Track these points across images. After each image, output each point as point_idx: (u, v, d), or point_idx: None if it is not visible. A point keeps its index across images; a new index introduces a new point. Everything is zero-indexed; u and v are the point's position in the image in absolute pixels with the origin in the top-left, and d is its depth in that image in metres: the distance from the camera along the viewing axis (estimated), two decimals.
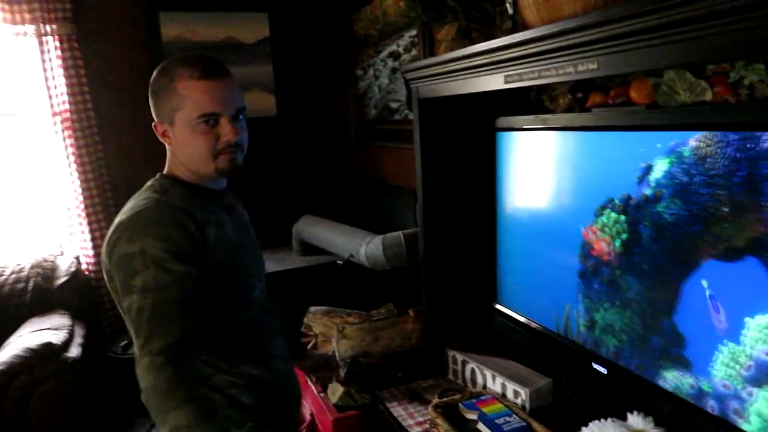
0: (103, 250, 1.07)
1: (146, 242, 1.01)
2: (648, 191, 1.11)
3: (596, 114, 1.25)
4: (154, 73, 1.12)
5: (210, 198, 1.16)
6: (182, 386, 0.97)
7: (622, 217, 1.18)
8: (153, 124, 1.13)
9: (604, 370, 1.29)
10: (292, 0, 3.29)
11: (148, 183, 1.16)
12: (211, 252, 1.08)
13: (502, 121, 1.59)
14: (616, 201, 1.20)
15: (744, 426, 0.98)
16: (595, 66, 1.00)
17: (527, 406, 1.50)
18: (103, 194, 2.98)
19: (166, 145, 1.15)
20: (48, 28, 2.77)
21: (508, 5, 1.39)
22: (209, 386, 1.13)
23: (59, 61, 2.81)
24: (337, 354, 1.83)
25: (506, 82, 1.25)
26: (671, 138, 1.05)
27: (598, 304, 1.30)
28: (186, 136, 1.09)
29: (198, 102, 1.06)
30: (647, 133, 1.11)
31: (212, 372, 1.14)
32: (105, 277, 1.10)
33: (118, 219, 1.08)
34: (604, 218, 1.24)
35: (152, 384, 0.96)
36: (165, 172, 1.18)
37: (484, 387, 1.67)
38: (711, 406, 1.04)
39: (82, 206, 2.94)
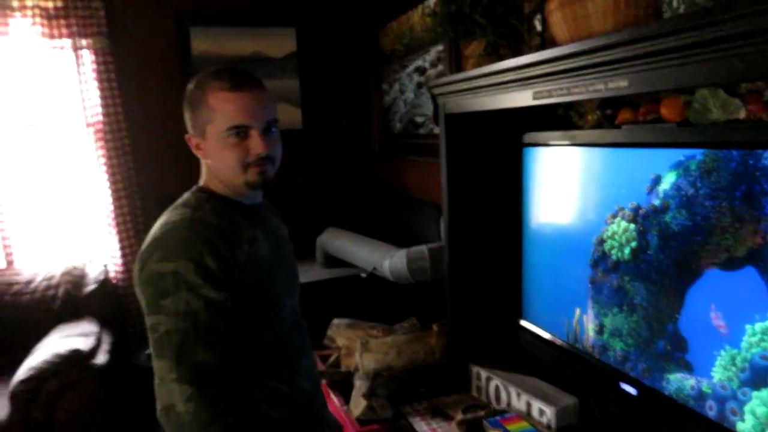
0: (136, 264, 1.07)
1: (179, 264, 1.00)
2: (657, 201, 1.14)
3: (626, 131, 1.24)
4: (189, 86, 1.11)
5: (244, 213, 1.15)
6: (221, 417, 1.01)
7: (632, 226, 1.18)
8: (186, 136, 1.12)
9: (633, 391, 1.27)
10: (319, 15, 3.34)
11: (185, 195, 1.16)
12: (239, 272, 1.07)
13: (530, 137, 1.59)
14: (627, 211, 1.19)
15: (739, 424, 1.02)
16: (625, 83, 1.00)
17: (553, 425, 1.48)
18: (131, 204, 3.04)
19: (200, 158, 1.14)
20: (84, 42, 2.86)
21: (537, 22, 1.40)
22: (237, 398, 1.12)
23: (93, 74, 2.89)
24: (360, 367, 1.83)
25: (535, 98, 1.25)
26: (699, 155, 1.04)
27: (607, 309, 1.31)
28: (216, 148, 1.08)
29: (227, 114, 1.05)
30: (677, 150, 1.10)
31: (239, 385, 1.13)
32: (136, 290, 1.09)
33: (152, 233, 1.08)
34: (614, 226, 1.23)
35: (190, 414, 0.98)
36: (201, 184, 1.17)
37: (509, 404, 1.65)
38: (710, 406, 1.08)
39: (112, 215, 3.00)
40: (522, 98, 1.30)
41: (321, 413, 1.31)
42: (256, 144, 1.08)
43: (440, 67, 2.51)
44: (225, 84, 1.06)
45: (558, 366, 1.57)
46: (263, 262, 1.13)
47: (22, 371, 2.23)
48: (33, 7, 2.76)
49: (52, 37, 2.81)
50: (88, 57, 2.88)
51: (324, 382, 2.08)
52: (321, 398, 1.32)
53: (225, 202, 1.13)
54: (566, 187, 1.47)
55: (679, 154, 1.09)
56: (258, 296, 1.12)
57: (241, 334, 1.10)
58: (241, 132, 1.07)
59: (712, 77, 0.85)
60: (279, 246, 1.22)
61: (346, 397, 1.93)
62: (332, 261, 2.91)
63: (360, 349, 1.83)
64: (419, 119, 2.80)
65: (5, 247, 2.90)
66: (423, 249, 2.27)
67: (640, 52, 0.93)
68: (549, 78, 1.18)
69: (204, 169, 1.16)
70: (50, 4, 2.79)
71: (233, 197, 1.15)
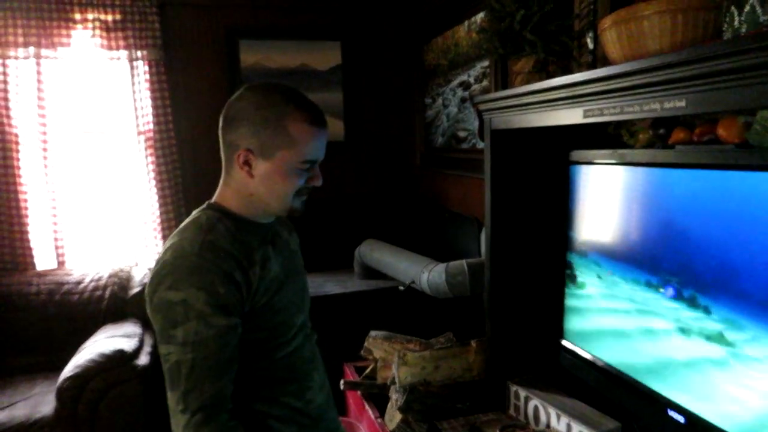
0: (147, 286, 1.05)
1: (189, 293, 0.98)
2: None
3: (680, 151, 1.21)
4: (254, 99, 1.06)
5: (256, 232, 1.12)
6: None
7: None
8: (239, 152, 1.06)
9: (681, 419, 1.23)
10: (365, 30, 3.39)
11: (195, 213, 1.12)
12: (252, 296, 1.06)
13: (577, 155, 1.57)
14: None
15: None
16: (683, 104, 0.98)
17: None
18: (177, 210, 3.13)
19: (236, 173, 1.09)
20: (139, 53, 2.98)
21: (588, 40, 1.39)
22: (248, 414, 1.11)
23: (147, 84, 3.00)
24: (397, 380, 1.83)
25: (586, 117, 1.24)
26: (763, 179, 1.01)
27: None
28: (278, 174, 1.07)
29: (307, 147, 1.06)
30: (735, 173, 1.07)
31: (252, 404, 1.12)
32: (147, 309, 1.06)
33: (162, 256, 1.05)
34: None
35: None
36: (214, 200, 1.14)
37: (548, 426, 1.62)
38: None
39: (158, 221, 3.10)
40: (572, 116, 1.29)
41: (335, 427, 1.29)
42: (316, 175, 1.11)
43: (485, 83, 2.51)
44: (307, 116, 1.06)
45: (601, 389, 1.53)
46: (275, 282, 1.11)
47: (69, 369, 2.30)
48: (93, 20, 2.90)
49: (109, 48, 2.94)
50: (142, 68, 2.99)
51: (359, 393, 2.08)
52: (333, 412, 1.29)
53: (238, 222, 1.10)
54: (614, 207, 1.44)
55: (737, 177, 1.06)
56: (270, 318, 1.11)
57: (253, 356, 1.09)
58: (312, 165, 1.09)
59: None
60: (289, 262, 1.20)
61: (381, 410, 1.93)
62: (370, 272, 2.92)
63: (397, 362, 1.83)
64: (462, 134, 2.80)
65: (57, 247, 3.02)
66: (462, 264, 2.26)
67: (700, 72, 0.91)
68: (601, 96, 1.17)
69: (231, 185, 1.12)
70: (109, 18, 2.92)
71: (249, 217, 1.12)
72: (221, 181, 1.14)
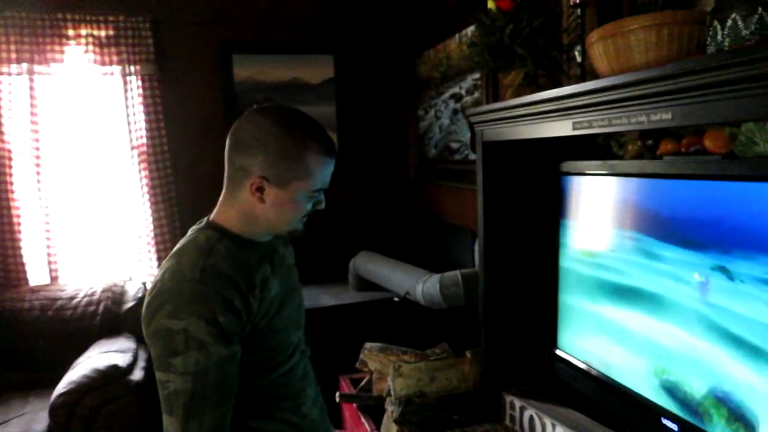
0: (144, 309, 1.03)
1: (190, 322, 0.96)
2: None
3: (668, 162, 1.23)
4: (272, 128, 1.04)
5: (255, 251, 1.12)
6: None
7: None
8: (252, 179, 1.05)
9: (674, 427, 1.24)
10: (357, 43, 3.42)
11: (194, 232, 1.11)
12: (252, 320, 1.05)
13: (568, 166, 1.59)
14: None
15: None
16: (669, 116, 1.00)
17: None
18: (171, 224, 3.13)
19: (243, 196, 1.08)
20: (132, 68, 2.99)
21: (576, 53, 1.41)
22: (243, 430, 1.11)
23: (140, 99, 3.02)
24: (392, 392, 1.83)
25: (575, 129, 1.26)
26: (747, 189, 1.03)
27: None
28: (289, 201, 1.08)
29: (320, 178, 1.09)
30: (721, 183, 1.09)
31: (247, 421, 1.11)
32: (146, 338, 1.03)
33: (161, 279, 1.03)
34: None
35: None
36: (214, 218, 1.12)
37: None
38: None
39: (152, 235, 3.10)
40: (561, 128, 1.31)
41: None
42: (321, 200, 1.14)
43: (476, 95, 2.54)
44: (322, 148, 1.08)
45: (594, 398, 1.54)
46: (275, 303, 1.12)
47: (62, 385, 2.28)
48: (87, 36, 2.92)
49: (103, 63, 2.96)
50: (135, 82, 3.01)
51: (355, 405, 2.08)
52: (328, 427, 1.30)
53: (237, 242, 1.09)
54: (604, 217, 1.46)
55: (723, 187, 1.08)
56: (270, 339, 1.11)
57: (250, 376, 1.09)
58: (320, 192, 1.12)
59: (760, 112, 0.84)
60: (287, 276, 1.21)
61: (377, 422, 1.93)
62: (365, 284, 2.93)
63: (393, 373, 1.83)
64: (454, 145, 2.82)
65: (50, 263, 3.01)
66: (456, 274, 2.27)
67: (686, 86, 0.93)
68: (590, 109, 1.19)
69: (230, 207, 1.11)
70: (103, 33, 2.94)
71: (249, 236, 1.12)
72: (222, 200, 1.12)
